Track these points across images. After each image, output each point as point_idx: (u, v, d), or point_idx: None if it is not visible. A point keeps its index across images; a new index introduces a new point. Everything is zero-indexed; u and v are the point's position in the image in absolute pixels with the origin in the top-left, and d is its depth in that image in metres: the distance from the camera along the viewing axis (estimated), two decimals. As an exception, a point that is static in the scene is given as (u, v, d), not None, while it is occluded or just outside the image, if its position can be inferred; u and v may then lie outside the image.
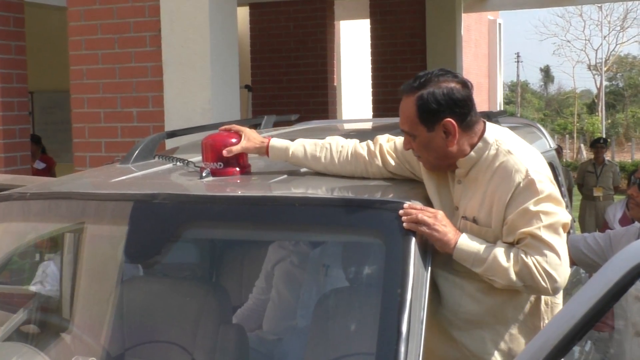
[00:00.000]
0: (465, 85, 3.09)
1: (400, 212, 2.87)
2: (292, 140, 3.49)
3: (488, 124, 3.16)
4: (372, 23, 12.99)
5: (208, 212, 3.09)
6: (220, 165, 3.39)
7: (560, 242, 2.96)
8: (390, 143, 3.37)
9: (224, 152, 3.40)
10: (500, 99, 31.10)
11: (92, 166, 7.06)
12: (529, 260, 2.91)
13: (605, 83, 48.70)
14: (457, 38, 12.75)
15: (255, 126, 5.06)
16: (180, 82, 6.69)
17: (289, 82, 12.50)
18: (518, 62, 56.01)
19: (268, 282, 3.79)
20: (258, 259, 3.82)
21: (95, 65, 7.12)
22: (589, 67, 50.15)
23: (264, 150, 3.49)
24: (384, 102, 12.62)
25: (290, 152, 3.44)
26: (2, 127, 7.72)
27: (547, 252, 2.92)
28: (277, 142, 3.49)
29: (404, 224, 2.84)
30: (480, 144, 3.08)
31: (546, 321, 3.15)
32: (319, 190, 3.19)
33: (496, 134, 3.11)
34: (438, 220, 2.91)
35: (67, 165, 11.24)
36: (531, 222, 2.93)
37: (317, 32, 12.44)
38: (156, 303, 3.53)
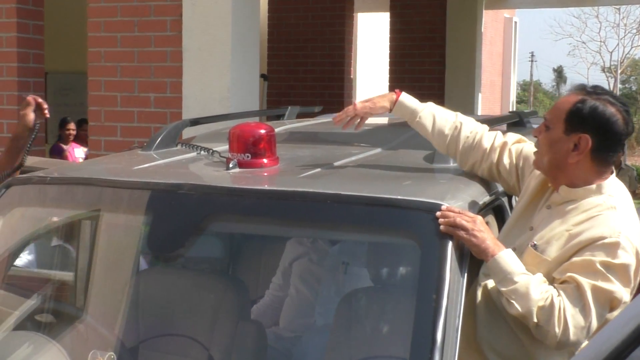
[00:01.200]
0: (627, 125, 2.97)
1: (438, 214, 2.74)
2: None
3: (614, 177, 3.04)
4: (391, 16, 12.85)
5: (235, 206, 2.97)
6: (247, 156, 3.26)
7: (598, 312, 2.79)
8: (517, 145, 3.29)
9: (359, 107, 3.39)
10: (513, 97, 30.93)
11: (107, 150, 6.96)
12: (557, 301, 2.77)
13: (618, 86, 48.45)
14: (477, 34, 12.61)
15: (278, 117, 4.96)
16: (200, 68, 6.58)
17: (305, 72, 12.37)
18: (532, 61, 55.87)
19: (293, 280, 3.68)
20: (286, 256, 3.69)
21: (113, 48, 7.02)
22: (603, 69, 49.91)
23: (391, 105, 3.41)
24: (401, 96, 12.46)
25: (418, 117, 3.37)
26: (17, 108, 7.59)
27: (578, 308, 2.78)
28: (406, 100, 3.41)
29: (441, 227, 2.72)
30: (593, 187, 2.97)
31: None
32: (352, 187, 3.06)
33: (613, 189, 2.99)
34: (476, 225, 2.78)
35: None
36: (586, 275, 2.79)
37: (336, 23, 12.29)
38: (176, 297, 3.42)
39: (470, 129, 3.33)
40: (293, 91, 12.19)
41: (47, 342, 3.34)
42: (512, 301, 2.80)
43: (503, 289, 2.82)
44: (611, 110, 2.92)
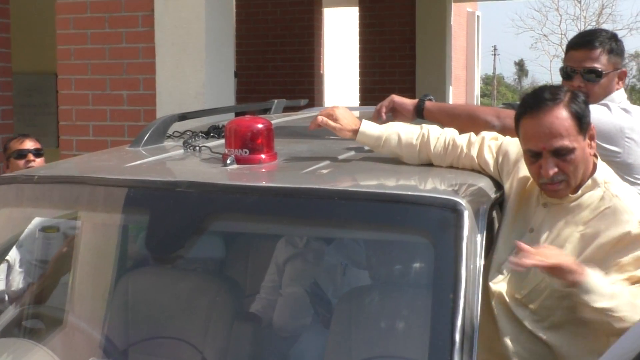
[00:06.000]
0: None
1: (512, 259, 2.66)
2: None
3: (599, 161, 3.00)
4: (361, 10, 12.75)
5: (237, 204, 2.82)
6: (245, 152, 3.12)
7: None
8: (494, 141, 3.17)
9: (320, 121, 3.30)
10: (477, 91, 31.00)
11: (79, 150, 6.79)
12: None
13: (579, 78, 48.75)
14: (446, 28, 12.54)
15: (265, 111, 4.84)
16: (174, 64, 6.41)
17: (274, 68, 12.26)
18: (495, 55, 56.13)
19: (297, 279, 3.53)
20: (291, 255, 3.55)
21: (83, 45, 6.81)
22: (565, 61, 50.17)
23: (354, 135, 3.30)
24: (372, 90, 12.38)
25: (383, 141, 3.24)
26: (-13, 109, 7.40)
27: None
28: (367, 129, 3.28)
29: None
30: (589, 182, 2.90)
31: None
32: (359, 183, 2.94)
33: (605, 175, 2.95)
34: (558, 254, 2.72)
35: (45, 150, 10.91)
36: None
37: (305, 18, 12.22)
38: (175, 298, 3.28)
39: (439, 132, 3.24)
40: (263, 87, 12.05)
41: (35, 347, 3.18)
42: (617, 315, 2.70)
43: (601, 306, 2.70)
44: (573, 95, 2.91)
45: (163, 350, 3.16)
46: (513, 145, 3.10)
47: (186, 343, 3.15)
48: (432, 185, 2.95)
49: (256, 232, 3.40)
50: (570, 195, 2.90)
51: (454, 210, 2.62)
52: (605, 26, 44.95)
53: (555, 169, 2.84)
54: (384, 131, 3.26)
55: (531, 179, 2.99)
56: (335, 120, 3.30)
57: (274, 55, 12.25)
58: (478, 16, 30.04)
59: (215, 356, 3.17)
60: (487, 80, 54.99)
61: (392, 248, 3.18)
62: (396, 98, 3.58)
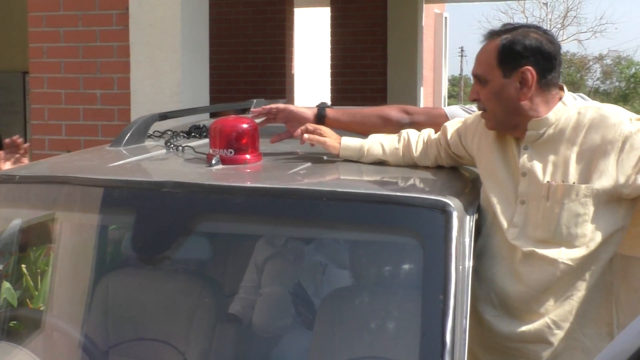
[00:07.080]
0: (554, 43, 2.89)
1: None
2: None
3: (566, 91, 2.95)
4: (332, 10, 12.75)
5: (224, 204, 2.78)
6: (230, 152, 3.09)
7: None
8: (455, 123, 3.22)
9: (305, 137, 3.30)
10: (445, 92, 31.09)
11: (51, 150, 6.72)
12: None
13: (545, 80, 49.13)
14: (418, 28, 12.59)
15: (243, 110, 4.81)
16: (148, 63, 6.36)
17: (245, 68, 12.20)
18: (462, 56, 56.39)
19: (285, 279, 3.51)
20: (279, 256, 3.52)
21: (56, 44, 6.74)
22: (530, 63, 50.51)
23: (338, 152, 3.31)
24: (344, 91, 12.40)
25: (366, 150, 3.26)
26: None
27: None
28: (348, 142, 3.31)
29: None
30: (559, 106, 2.87)
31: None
32: (348, 183, 2.91)
33: (573, 99, 2.93)
34: None
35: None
36: None
37: (276, 18, 12.17)
38: (165, 300, 3.24)
39: (417, 133, 3.29)
40: (234, 87, 11.99)
41: (14, 349, 3.14)
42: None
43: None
44: (534, 35, 2.87)
45: (145, 352, 3.13)
46: (472, 117, 3.15)
47: (169, 345, 3.11)
48: (421, 186, 2.94)
49: (244, 233, 3.37)
50: (541, 122, 2.86)
51: (443, 211, 2.61)
52: (570, 29, 45.31)
53: (475, 95, 2.95)
54: (365, 142, 3.29)
55: (496, 134, 3.00)
56: (321, 134, 3.32)
57: (245, 55, 12.19)
58: (445, 17, 30.11)
59: (197, 358, 3.14)
60: (453, 82, 55.25)
61: (381, 249, 3.16)
62: (292, 107, 3.57)
